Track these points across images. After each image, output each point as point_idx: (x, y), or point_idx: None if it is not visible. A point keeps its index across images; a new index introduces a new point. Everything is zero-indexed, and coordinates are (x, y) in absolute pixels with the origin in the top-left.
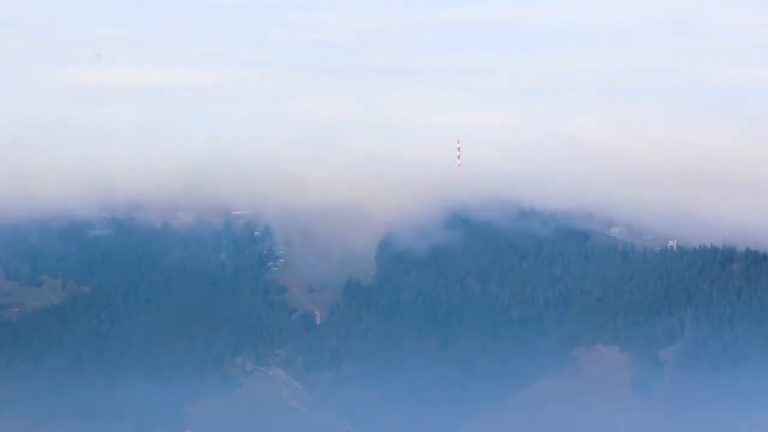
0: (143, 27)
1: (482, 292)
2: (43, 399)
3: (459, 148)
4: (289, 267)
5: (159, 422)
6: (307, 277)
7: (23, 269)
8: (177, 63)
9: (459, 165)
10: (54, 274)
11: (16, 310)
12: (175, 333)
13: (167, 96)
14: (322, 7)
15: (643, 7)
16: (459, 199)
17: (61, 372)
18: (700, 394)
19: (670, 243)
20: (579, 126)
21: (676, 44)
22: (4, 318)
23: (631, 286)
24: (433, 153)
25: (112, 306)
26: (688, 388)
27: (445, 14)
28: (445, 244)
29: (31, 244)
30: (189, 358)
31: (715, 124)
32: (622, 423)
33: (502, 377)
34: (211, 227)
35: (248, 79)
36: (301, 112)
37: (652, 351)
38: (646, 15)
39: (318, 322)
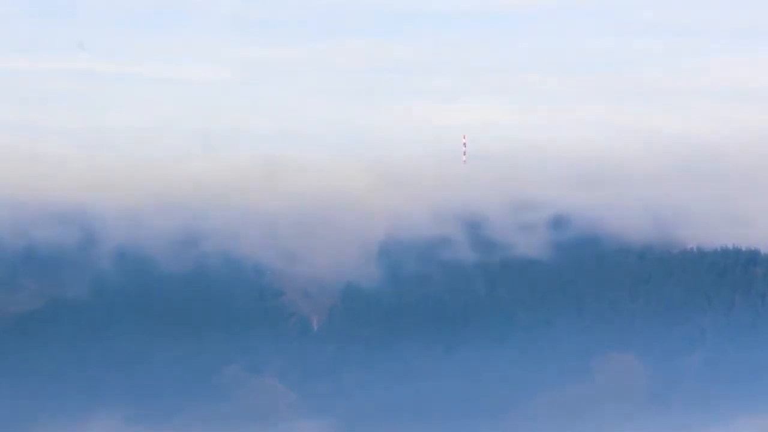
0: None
1: (489, 296)
2: (22, 409)
3: (465, 144)
4: (285, 269)
5: None
6: (304, 280)
7: (2, 272)
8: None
9: (465, 162)
10: (35, 277)
11: None
12: (163, 340)
13: (160, 92)
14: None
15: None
16: (465, 198)
17: (40, 381)
18: (722, 404)
19: (690, 245)
20: (589, 123)
21: (692, 45)
22: None
23: (648, 290)
24: (437, 150)
25: (95, 311)
26: (708, 398)
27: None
28: (450, 246)
29: (10, 246)
30: (178, 366)
31: (735, 121)
32: None
33: (511, 387)
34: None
35: (248, 76)
36: (297, 110)
37: (671, 359)
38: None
39: (315, 328)
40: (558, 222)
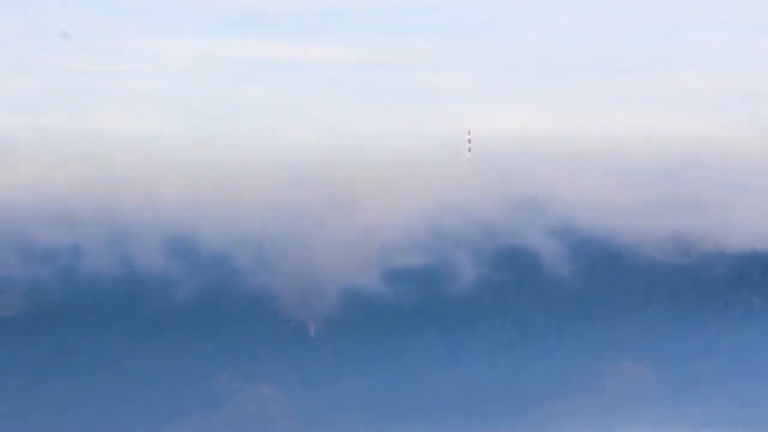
0: None
1: (495, 301)
2: (2, 421)
3: (469, 140)
4: (281, 273)
5: None
6: (300, 283)
7: None
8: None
9: (469, 159)
10: (17, 280)
11: None
12: (153, 346)
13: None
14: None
15: None
16: (470, 199)
17: (23, 391)
18: (739, 413)
19: (706, 246)
20: (603, 119)
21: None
22: None
23: (662, 294)
24: (440, 146)
25: (80, 316)
26: (725, 407)
27: None
28: (454, 248)
29: None
30: (168, 374)
31: (756, 119)
32: None
33: (517, 396)
34: (194, 231)
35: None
36: (297, 109)
37: (685, 367)
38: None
39: (312, 334)
40: (568, 225)
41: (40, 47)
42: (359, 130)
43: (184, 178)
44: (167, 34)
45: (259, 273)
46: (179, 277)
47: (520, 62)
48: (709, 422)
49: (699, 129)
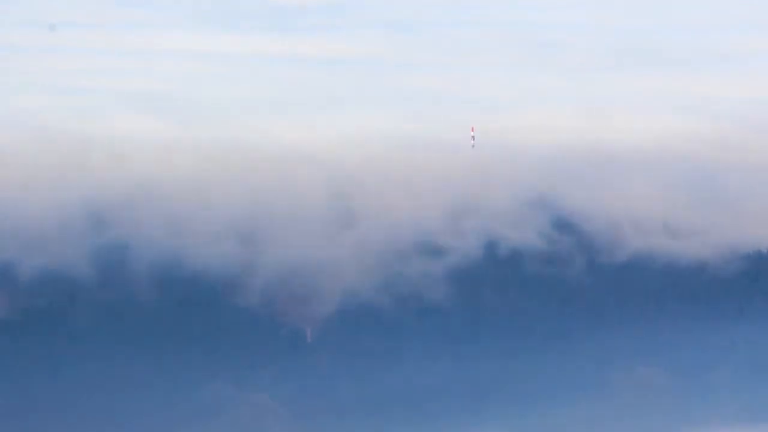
0: None
1: (501, 304)
2: None
3: (473, 137)
4: (275, 276)
5: None
6: (296, 287)
7: None
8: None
9: (473, 156)
10: (2, 284)
11: None
12: (142, 353)
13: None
14: None
15: None
16: (473, 199)
17: (10, 402)
18: (756, 421)
19: (720, 248)
20: (612, 116)
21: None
22: None
23: (675, 297)
24: (442, 142)
25: (68, 322)
26: (741, 414)
27: None
28: (457, 249)
29: None
30: (159, 382)
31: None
32: None
33: (524, 404)
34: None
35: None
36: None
37: (699, 372)
38: None
39: (309, 340)
40: (578, 227)
41: (28, 42)
42: (360, 130)
43: (179, 180)
44: (161, 29)
45: (254, 277)
46: (173, 281)
47: (533, 59)
48: (724, 427)
49: (711, 129)
